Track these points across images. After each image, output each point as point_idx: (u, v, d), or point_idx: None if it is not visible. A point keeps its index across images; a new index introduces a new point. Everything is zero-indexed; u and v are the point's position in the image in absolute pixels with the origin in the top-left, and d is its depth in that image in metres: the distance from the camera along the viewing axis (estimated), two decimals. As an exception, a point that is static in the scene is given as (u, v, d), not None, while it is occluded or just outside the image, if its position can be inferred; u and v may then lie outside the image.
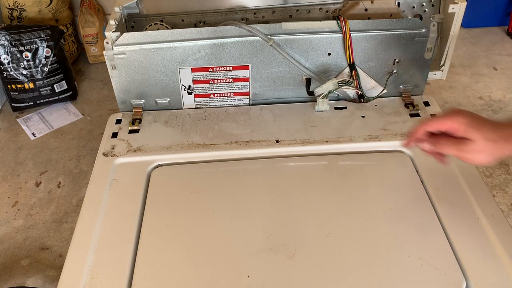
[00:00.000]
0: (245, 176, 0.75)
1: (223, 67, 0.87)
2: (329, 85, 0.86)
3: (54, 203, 1.08)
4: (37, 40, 1.30)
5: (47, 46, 1.32)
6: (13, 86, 1.33)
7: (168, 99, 0.90)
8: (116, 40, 0.82)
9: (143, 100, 0.90)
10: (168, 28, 0.89)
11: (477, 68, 1.59)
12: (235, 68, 0.88)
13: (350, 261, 0.62)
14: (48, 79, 1.35)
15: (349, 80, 0.87)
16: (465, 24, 1.71)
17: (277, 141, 0.82)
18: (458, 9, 0.83)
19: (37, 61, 1.32)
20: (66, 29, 1.54)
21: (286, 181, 0.74)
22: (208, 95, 0.90)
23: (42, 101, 1.38)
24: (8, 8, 1.44)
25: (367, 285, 0.60)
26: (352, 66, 0.87)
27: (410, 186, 0.73)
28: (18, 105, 1.37)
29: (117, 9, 0.87)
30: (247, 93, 0.91)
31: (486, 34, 1.72)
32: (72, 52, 1.61)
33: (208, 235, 0.66)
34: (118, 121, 0.88)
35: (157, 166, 0.78)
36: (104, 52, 0.83)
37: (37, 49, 1.31)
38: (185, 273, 0.62)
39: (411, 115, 0.87)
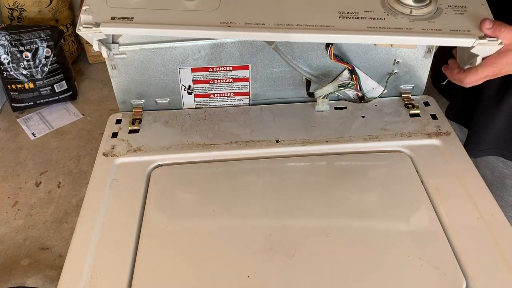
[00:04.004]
0: (245, 176, 0.75)
1: (223, 67, 0.87)
2: (329, 87, 0.86)
3: (54, 203, 1.08)
4: (37, 40, 1.31)
5: (47, 46, 1.32)
6: (13, 86, 1.33)
7: (168, 99, 0.90)
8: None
9: (143, 100, 0.90)
10: None
11: (477, 68, 1.59)
12: (235, 68, 0.88)
13: (350, 261, 0.62)
14: (48, 79, 1.35)
15: (349, 83, 0.87)
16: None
17: (277, 141, 0.82)
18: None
19: (37, 61, 1.32)
20: (66, 29, 1.54)
21: (286, 181, 0.74)
22: (208, 95, 0.90)
23: (42, 101, 1.38)
24: (8, 8, 1.44)
25: (367, 285, 0.60)
26: (352, 70, 0.87)
27: (410, 186, 0.73)
28: (18, 105, 1.37)
29: None
30: (247, 93, 0.91)
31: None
32: (72, 52, 1.61)
33: (208, 235, 0.66)
34: (118, 121, 0.88)
35: (157, 166, 0.78)
36: (104, 52, 0.83)
37: (37, 49, 1.31)
38: (185, 273, 0.62)
39: (411, 115, 0.87)
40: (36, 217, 1.05)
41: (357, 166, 0.77)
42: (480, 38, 0.64)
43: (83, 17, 0.66)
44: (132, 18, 0.67)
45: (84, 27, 0.66)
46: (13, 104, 1.36)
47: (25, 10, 1.45)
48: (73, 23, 1.59)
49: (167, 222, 0.68)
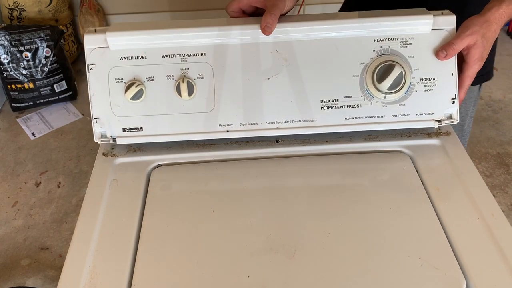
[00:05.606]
0: (245, 176, 0.75)
1: (223, 67, 0.87)
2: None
3: (54, 203, 1.08)
4: (37, 40, 1.31)
5: (47, 46, 1.33)
6: (13, 86, 1.33)
7: (168, 99, 0.90)
8: None
9: (143, 100, 0.90)
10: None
11: (477, 68, 1.59)
12: (235, 68, 0.88)
13: (350, 261, 0.62)
14: (48, 79, 1.35)
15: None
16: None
17: (277, 141, 0.82)
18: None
19: (37, 61, 1.32)
20: (66, 29, 1.54)
21: (286, 181, 0.74)
22: (208, 95, 0.91)
23: (42, 101, 1.38)
24: (8, 8, 1.44)
25: (367, 285, 0.60)
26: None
27: (410, 186, 0.73)
28: (18, 105, 1.37)
29: None
30: (247, 93, 0.91)
31: (486, 34, 1.72)
32: (72, 52, 1.61)
33: (208, 235, 0.66)
34: (118, 121, 0.88)
35: (157, 166, 0.78)
36: (104, 52, 0.83)
37: (37, 49, 1.31)
38: (185, 273, 0.62)
39: (411, 115, 0.87)
40: (36, 217, 1.05)
41: (357, 166, 0.77)
42: (438, 122, 0.78)
43: (97, 130, 0.76)
44: (141, 128, 0.76)
45: (102, 141, 0.77)
46: (13, 104, 1.36)
47: (25, 10, 1.45)
48: (73, 23, 1.59)
49: (167, 222, 0.68)
